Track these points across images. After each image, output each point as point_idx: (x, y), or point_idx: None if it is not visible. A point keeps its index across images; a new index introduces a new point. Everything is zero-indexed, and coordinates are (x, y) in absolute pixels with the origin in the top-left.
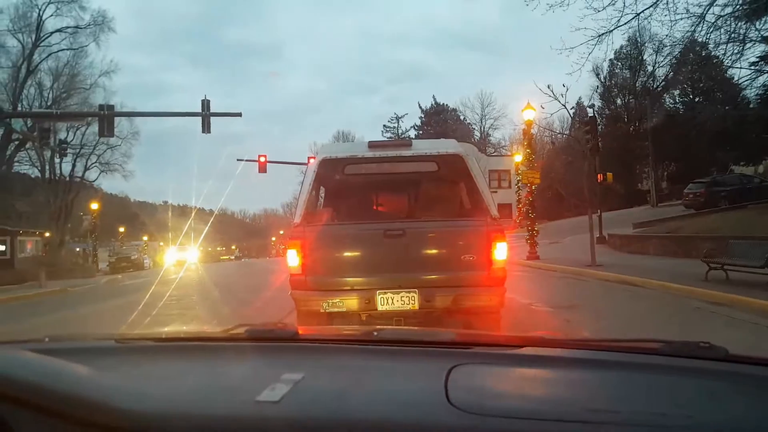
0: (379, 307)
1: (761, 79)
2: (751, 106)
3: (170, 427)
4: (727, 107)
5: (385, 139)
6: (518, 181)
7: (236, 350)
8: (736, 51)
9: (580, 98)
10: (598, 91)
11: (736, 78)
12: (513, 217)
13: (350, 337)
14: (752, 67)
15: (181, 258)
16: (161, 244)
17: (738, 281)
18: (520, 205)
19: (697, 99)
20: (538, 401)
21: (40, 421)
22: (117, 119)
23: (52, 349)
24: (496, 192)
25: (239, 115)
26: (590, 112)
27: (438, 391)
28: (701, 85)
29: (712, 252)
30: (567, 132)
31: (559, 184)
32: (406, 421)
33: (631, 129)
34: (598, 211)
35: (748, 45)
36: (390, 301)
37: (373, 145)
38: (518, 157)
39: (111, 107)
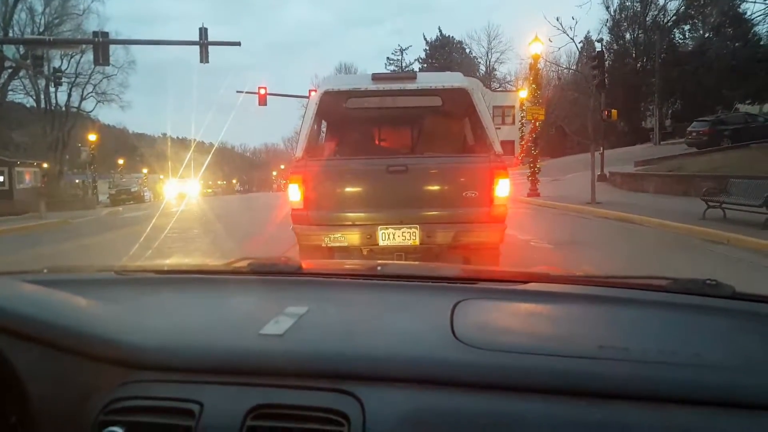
0: (381, 243)
1: None
2: (762, 42)
3: (171, 359)
4: (737, 43)
5: (389, 71)
6: (522, 117)
7: (239, 283)
8: None
9: (588, 32)
10: (608, 24)
11: (748, 13)
12: (515, 154)
13: (354, 272)
14: (766, 1)
15: (181, 191)
16: (161, 176)
17: (735, 220)
18: (523, 142)
19: (707, 35)
20: (545, 337)
21: (39, 353)
22: (112, 48)
23: (51, 280)
24: (499, 129)
25: (238, 44)
26: (598, 46)
27: (443, 326)
28: (712, 20)
29: (712, 191)
30: (574, 67)
31: (563, 120)
32: (412, 356)
33: (639, 65)
34: (601, 148)
35: None
36: (391, 236)
37: (376, 77)
38: (523, 93)
39: (106, 34)
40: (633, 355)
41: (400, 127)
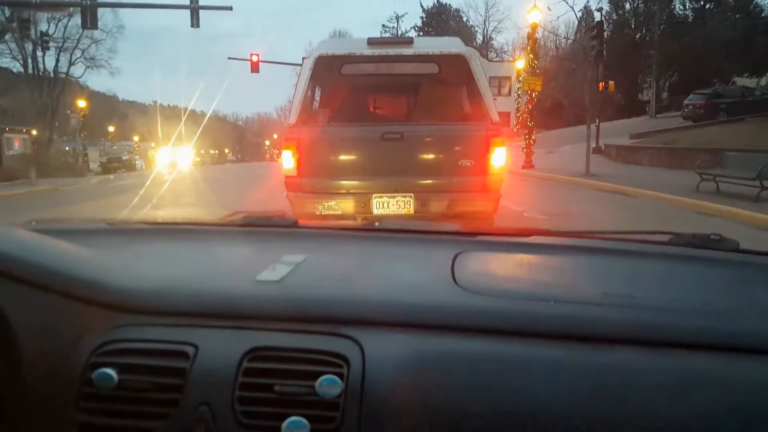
0: (375, 211)
1: None
2: (764, 14)
3: (164, 302)
4: (738, 15)
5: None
6: (518, 88)
7: (234, 234)
8: None
9: (588, 1)
10: None
11: None
12: (511, 126)
13: (351, 227)
14: None
15: (173, 159)
16: (152, 145)
17: (728, 193)
18: (519, 114)
19: (707, 5)
20: (548, 284)
21: (26, 296)
22: (100, 11)
23: (40, 229)
24: (495, 100)
25: (230, 8)
26: (597, 16)
27: (444, 274)
28: None
29: (706, 164)
30: (572, 38)
31: (559, 92)
32: (413, 302)
33: (638, 36)
34: (597, 120)
35: None
36: (385, 205)
37: (372, 42)
38: (520, 63)
39: None
40: (638, 302)
41: (395, 95)
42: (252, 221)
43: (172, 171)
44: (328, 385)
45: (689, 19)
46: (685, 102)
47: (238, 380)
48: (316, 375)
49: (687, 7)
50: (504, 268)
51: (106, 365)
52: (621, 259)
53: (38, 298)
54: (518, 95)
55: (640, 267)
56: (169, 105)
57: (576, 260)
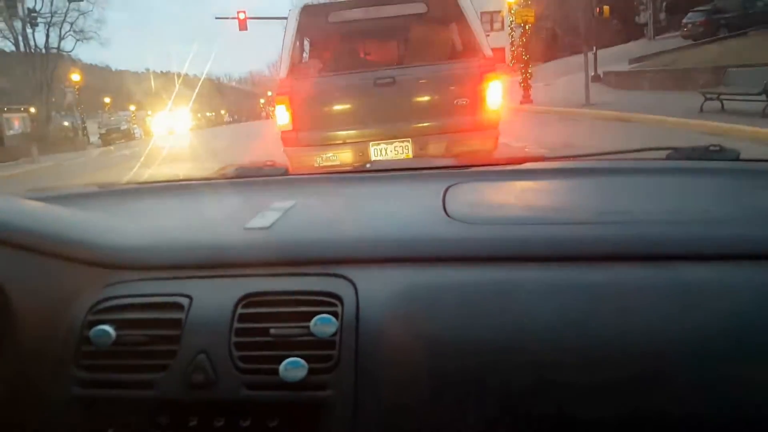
0: (373, 158)
1: None
2: None
3: (155, 257)
4: None
5: None
6: (511, 22)
7: (224, 187)
8: None
9: None
10: None
11: None
12: (506, 60)
13: (344, 170)
14: None
15: (170, 125)
16: (149, 112)
17: (733, 111)
18: (514, 48)
19: None
20: (542, 208)
21: (18, 259)
22: None
23: (32, 197)
24: (488, 35)
25: None
26: None
27: (435, 207)
28: None
29: (709, 83)
30: None
31: (553, 22)
32: (403, 236)
33: None
34: (593, 48)
35: None
36: (383, 152)
37: None
38: None
39: None
40: (636, 216)
41: (385, 39)
42: (243, 173)
43: (169, 137)
44: (323, 324)
45: None
46: (684, 21)
47: (233, 326)
48: (311, 315)
49: None
50: (496, 197)
51: (103, 322)
52: (618, 178)
53: (34, 261)
54: (511, 29)
55: (638, 184)
56: (162, 71)
57: (571, 183)
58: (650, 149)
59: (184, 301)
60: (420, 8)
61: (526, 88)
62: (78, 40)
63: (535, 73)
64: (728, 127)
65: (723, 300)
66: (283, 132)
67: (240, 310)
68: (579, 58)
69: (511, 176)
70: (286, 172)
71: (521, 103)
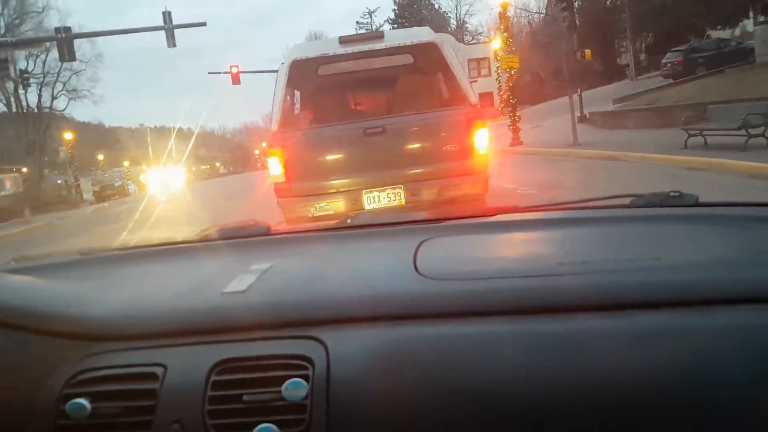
0: (366, 207)
1: None
2: None
3: (133, 326)
4: None
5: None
6: (497, 67)
7: (206, 250)
8: None
9: None
10: None
11: None
12: (495, 105)
13: (323, 227)
14: None
15: (165, 180)
16: (144, 168)
17: (716, 146)
18: (501, 93)
19: None
20: (506, 261)
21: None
22: (78, 42)
23: (17, 269)
24: (476, 81)
25: (203, 24)
26: None
27: (406, 264)
28: None
29: (691, 119)
30: (543, 11)
31: (538, 66)
32: (373, 294)
33: (608, 2)
34: (578, 90)
35: None
36: (376, 199)
37: (344, 40)
38: (496, 43)
39: (68, 29)
40: (591, 267)
41: (375, 89)
42: (224, 234)
43: (164, 192)
44: (294, 387)
45: None
46: (664, 61)
47: (207, 394)
48: (283, 380)
49: None
50: (465, 251)
51: (79, 395)
52: (582, 228)
53: (11, 336)
54: (498, 74)
55: (600, 232)
56: (156, 126)
57: (536, 234)
58: (617, 197)
59: (159, 370)
60: (407, 59)
61: (515, 130)
62: (71, 98)
63: (523, 115)
64: (713, 161)
65: (679, 347)
66: (276, 183)
67: (214, 378)
68: (565, 100)
69: (481, 229)
70: (267, 231)
71: (511, 145)
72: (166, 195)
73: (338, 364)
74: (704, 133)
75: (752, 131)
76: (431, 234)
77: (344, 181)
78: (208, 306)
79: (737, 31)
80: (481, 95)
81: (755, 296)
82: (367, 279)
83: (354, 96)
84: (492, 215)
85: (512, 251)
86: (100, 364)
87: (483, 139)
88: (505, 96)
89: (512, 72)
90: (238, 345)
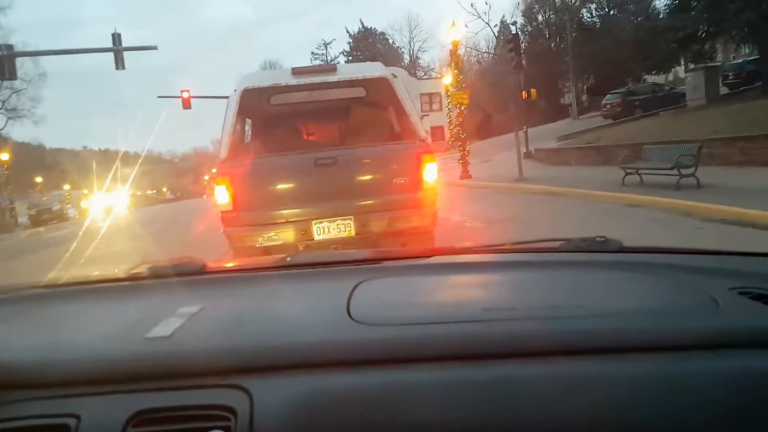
0: (316, 237)
1: None
2: (661, 16)
3: (46, 374)
4: (639, 18)
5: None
6: (448, 103)
7: (135, 289)
8: None
9: (503, 17)
10: (520, 7)
11: None
12: (445, 138)
13: (260, 266)
14: None
15: (108, 205)
16: (85, 192)
17: (651, 184)
18: (452, 127)
19: (612, 12)
20: (439, 306)
21: None
22: (20, 60)
23: None
24: (428, 115)
25: (155, 48)
26: (513, 29)
27: (339, 308)
28: None
29: (628, 158)
30: (492, 51)
31: (486, 103)
32: (302, 341)
33: (552, 45)
34: (524, 127)
35: None
36: (326, 230)
37: (297, 71)
38: (447, 79)
39: (10, 47)
40: (517, 314)
41: (327, 121)
42: (156, 272)
43: (105, 218)
44: None
45: (597, 26)
46: (603, 102)
47: None
48: (204, 431)
49: (594, 15)
50: (399, 294)
51: None
52: (513, 272)
53: None
54: (449, 109)
55: (526, 277)
56: (100, 149)
57: (470, 278)
58: (547, 240)
59: (72, 421)
60: (359, 92)
61: (465, 164)
62: (10, 118)
63: (473, 150)
64: (648, 199)
65: (599, 394)
66: (223, 212)
67: (130, 429)
68: (512, 136)
69: (416, 272)
70: (201, 270)
71: (460, 178)
72: (107, 221)
73: (262, 414)
74: (640, 171)
75: (684, 171)
76: (368, 275)
77: (294, 211)
78: (130, 352)
79: (671, 76)
80: (433, 129)
81: (670, 345)
82: (297, 324)
83: (306, 126)
84: (428, 256)
85: (445, 295)
86: (9, 415)
87: (432, 173)
88: (455, 130)
89: (462, 108)
90: (159, 394)
